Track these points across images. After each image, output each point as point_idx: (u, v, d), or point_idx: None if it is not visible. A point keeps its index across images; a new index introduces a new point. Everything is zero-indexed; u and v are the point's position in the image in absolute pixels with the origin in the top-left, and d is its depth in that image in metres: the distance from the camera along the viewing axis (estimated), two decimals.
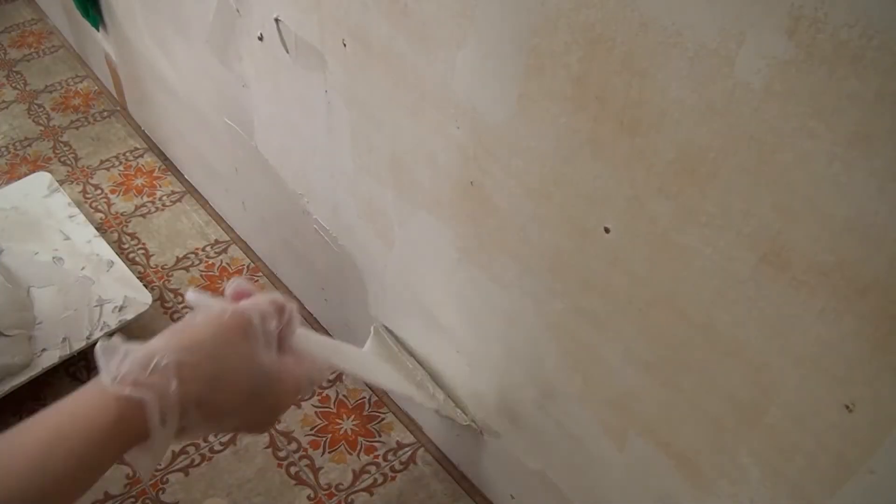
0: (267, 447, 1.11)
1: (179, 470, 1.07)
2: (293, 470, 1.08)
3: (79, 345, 1.13)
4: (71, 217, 1.36)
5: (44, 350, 1.12)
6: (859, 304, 0.44)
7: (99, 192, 1.54)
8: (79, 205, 1.49)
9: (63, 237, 1.31)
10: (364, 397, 1.18)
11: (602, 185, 0.56)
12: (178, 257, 1.40)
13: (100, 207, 1.50)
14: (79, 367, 1.21)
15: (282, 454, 1.10)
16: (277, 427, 1.13)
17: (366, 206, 0.91)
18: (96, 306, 1.19)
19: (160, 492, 1.04)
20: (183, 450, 1.09)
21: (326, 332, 1.27)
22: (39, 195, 1.39)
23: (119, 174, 1.58)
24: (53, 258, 1.27)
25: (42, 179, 1.42)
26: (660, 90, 0.48)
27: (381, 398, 1.18)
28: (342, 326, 1.23)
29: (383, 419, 1.15)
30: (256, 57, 0.96)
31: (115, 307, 1.18)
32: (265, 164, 1.14)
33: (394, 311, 1.01)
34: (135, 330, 1.25)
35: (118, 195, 1.53)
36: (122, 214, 1.49)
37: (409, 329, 0.99)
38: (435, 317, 0.90)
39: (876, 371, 0.45)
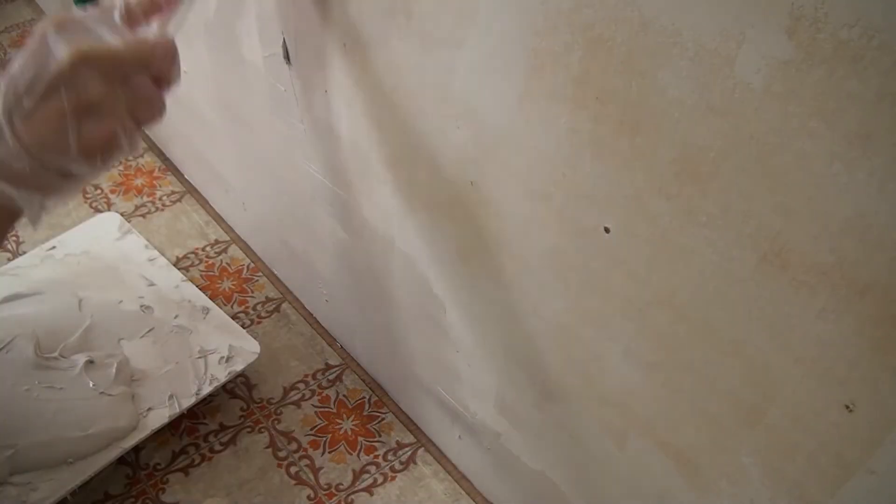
0: (267, 447, 1.11)
1: (179, 470, 1.07)
2: (293, 470, 1.08)
3: (188, 402, 1.03)
4: (151, 260, 1.23)
5: (149, 409, 1.01)
6: (859, 304, 0.44)
7: (99, 192, 1.54)
8: (78, 205, 1.49)
9: (147, 283, 1.19)
10: (364, 397, 1.18)
11: (602, 185, 0.56)
12: (178, 257, 1.40)
13: (100, 207, 1.50)
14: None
15: (282, 454, 1.10)
16: (277, 427, 1.13)
17: (365, 205, 0.91)
18: (199, 358, 1.07)
19: (160, 492, 1.04)
20: (183, 449, 1.09)
21: (327, 332, 1.28)
22: (111, 238, 1.27)
23: (119, 174, 1.58)
24: (141, 307, 1.14)
25: (112, 220, 1.31)
26: (660, 90, 0.48)
27: (380, 398, 1.18)
28: (342, 326, 1.23)
29: (383, 419, 1.15)
30: (256, 56, 0.96)
31: (221, 357, 1.08)
32: (265, 164, 1.14)
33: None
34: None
35: (118, 195, 1.53)
36: (122, 214, 1.49)
37: (407, 328, 0.99)
38: (434, 316, 0.90)
39: (876, 371, 0.45)
